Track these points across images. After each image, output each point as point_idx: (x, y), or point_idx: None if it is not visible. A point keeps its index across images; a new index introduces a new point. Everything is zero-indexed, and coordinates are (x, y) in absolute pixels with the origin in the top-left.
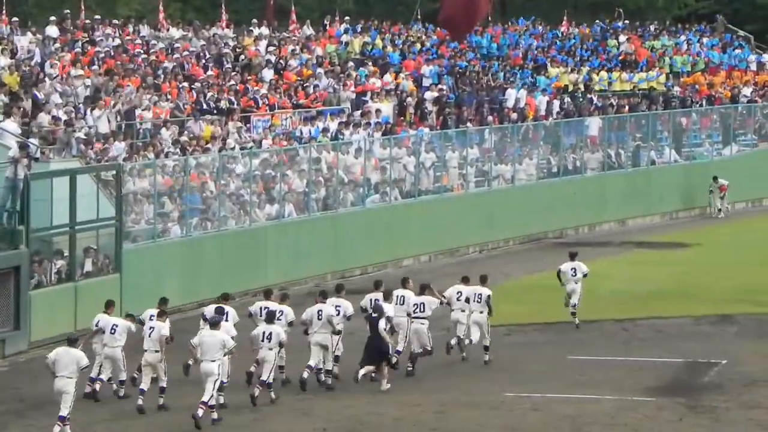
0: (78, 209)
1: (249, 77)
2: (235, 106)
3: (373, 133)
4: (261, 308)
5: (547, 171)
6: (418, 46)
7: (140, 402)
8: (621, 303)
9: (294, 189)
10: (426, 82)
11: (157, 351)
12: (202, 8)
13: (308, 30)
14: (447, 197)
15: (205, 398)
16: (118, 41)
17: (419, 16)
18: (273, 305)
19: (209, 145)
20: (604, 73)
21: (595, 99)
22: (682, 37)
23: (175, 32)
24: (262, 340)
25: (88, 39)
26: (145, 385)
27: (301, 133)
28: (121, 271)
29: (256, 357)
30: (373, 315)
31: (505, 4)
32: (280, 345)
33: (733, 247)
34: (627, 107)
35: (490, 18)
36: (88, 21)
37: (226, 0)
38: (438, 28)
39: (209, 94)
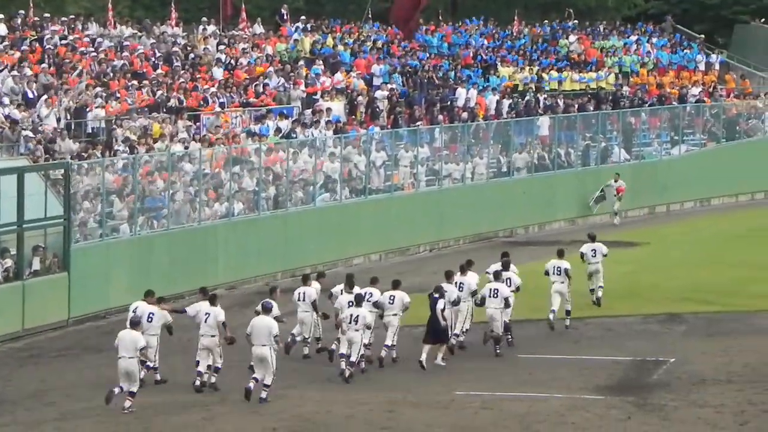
0: (26, 208)
1: (198, 75)
2: (184, 104)
3: (324, 131)
4: (341, 290)
5: (497, 170)
6: (369, 44)
7: (197, 382)
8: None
9: (244, 187)
10: (377, 81)
11: (213, 335)
12: (151, 6)
13: (259, 28)
14: (397, 196)
15: (266, 381)
16: (68, 38)
17: (370, 15)
18: (356, 289)
19: (158, 143)
20: (554, 73)
21: (542, 99)
22: (632, 37)
23: (125, 30)
24: (350, 323)
25: (36, 37)
26: (202, 367)
27: (252, 131)
28: (69, 269)
29: (339, 337)
30: (434, 295)
31: (455, 4)
32: (367, 327)
33: (681, 247)
34: (576, 107)
35: (441, 17)
36: (36, 19)
37: None
38: (389, 27)
39: (159, 92)
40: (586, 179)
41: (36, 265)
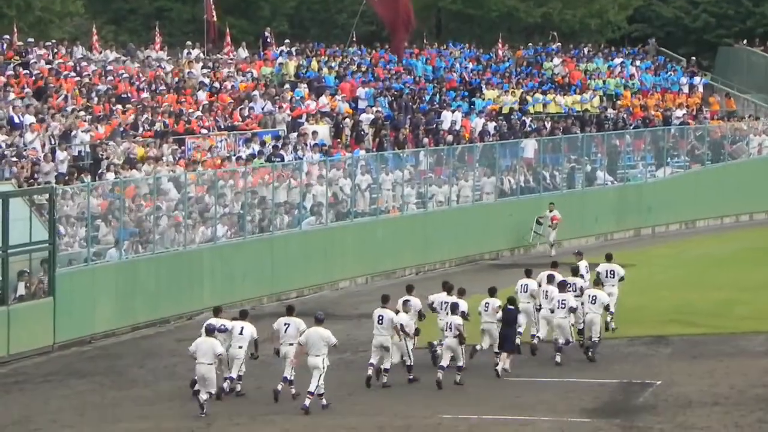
0: (11, 233)
1: (183, 99)
2: (169, 128)
3: (310, 154)
4: (441, 302)
5: (492, 191)
6: (354, 68)
7: (279, 387)
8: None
9: (229, 211)
10: (362, 104)
11: (291, 344)
12: (136, 30)
13: (243, 52)
14: (383, 219)
15: (310, 388)
16: (53, 63)
17: (355, 38)
18: (452, 299)
19: (144, 167)
20: (539, 96)
21: (528, 121)
22: (616, 60)
23: (109, 54)
24: (445, 330)
25: (20, 62)
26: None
27: (240, 156)
28: (55, 294)
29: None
30: (510, 307)
31: (439, 27)
32: (460, 334)
33: (667, 269)
34: (561, 129)
35: (425, 40)
36: (20, 43)
37: (159, 22)
38: (374, 50)
39: (144, 116)
40: (572, 202)
41: (21, 290)
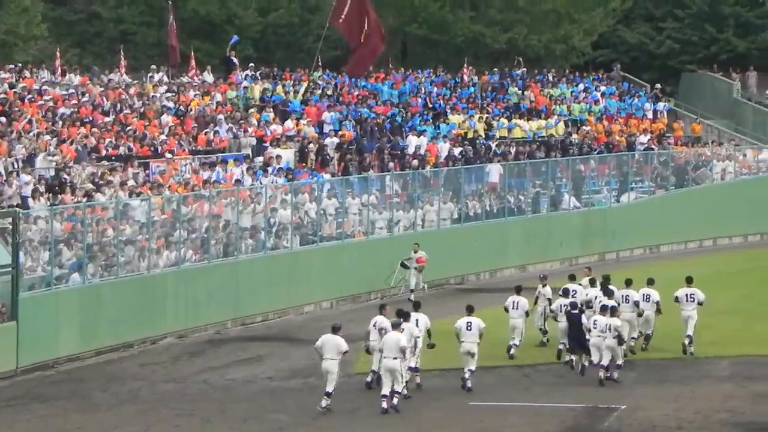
0: None
1: (148, 123)
2: (134, 152)
3: (275, 178)
4: (561, 306)
5: (449, 217)
6: (319, 92)
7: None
8: (521, 349)
9: (195, 235)
10: (327, 129)
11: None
12: (101, 54)
13: (209, 76)
14: (348, 243)
15: (385, 391)
16: (16, 86)
17: (320, 63)
18: (611, 302)
19: (108, 191)
20: (504, 120)
21: (494, 146)
22: (581, 86)
23: (74, 78)
24: (603, 331)
25: None
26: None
27: (205, 179)
28: (18, 318)
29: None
30: (573, 312)
31: (405, 52)
32: (619, 335)
33: None
34: (526, 154)
35: (390, 65)
36: None
37: (124, 46)
38: (340, 75)
39: (107, 140)
40: (537, 226)
41: None
